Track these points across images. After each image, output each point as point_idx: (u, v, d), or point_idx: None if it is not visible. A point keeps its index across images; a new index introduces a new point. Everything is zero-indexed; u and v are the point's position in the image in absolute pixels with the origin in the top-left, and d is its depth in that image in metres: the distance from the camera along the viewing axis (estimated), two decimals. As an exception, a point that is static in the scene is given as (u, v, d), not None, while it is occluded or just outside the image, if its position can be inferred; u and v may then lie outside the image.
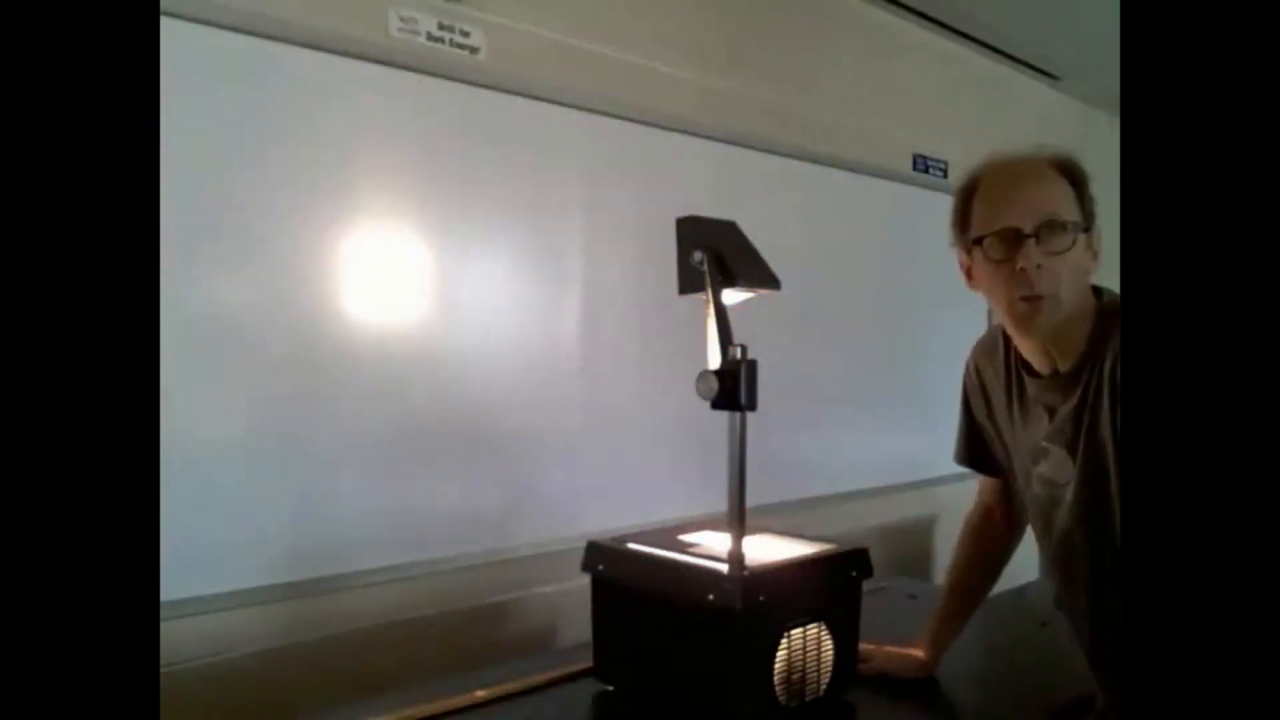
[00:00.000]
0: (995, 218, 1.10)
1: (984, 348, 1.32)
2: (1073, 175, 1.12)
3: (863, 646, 1.36)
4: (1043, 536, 1.26)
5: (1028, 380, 1.21)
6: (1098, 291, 1.15)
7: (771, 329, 2.21)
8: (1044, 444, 1.19)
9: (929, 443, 3.18)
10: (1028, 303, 1.09)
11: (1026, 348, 1.19)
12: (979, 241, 1.12)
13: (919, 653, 1.40)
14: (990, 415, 1.32)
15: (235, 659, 1.58)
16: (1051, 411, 1.17)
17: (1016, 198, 1.10)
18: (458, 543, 1.88)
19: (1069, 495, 1.17)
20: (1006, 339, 1.24)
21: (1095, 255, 1.12)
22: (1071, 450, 1.14)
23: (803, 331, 2.60)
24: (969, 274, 1.18)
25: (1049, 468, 1.20)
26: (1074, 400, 1.13)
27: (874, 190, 2.90)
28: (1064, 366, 1.14)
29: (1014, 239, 1.08)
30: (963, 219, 1.17)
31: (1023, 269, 1.07)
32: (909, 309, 3.04)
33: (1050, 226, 1.07)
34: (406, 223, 1.80)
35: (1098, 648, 1.22)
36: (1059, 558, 1.23)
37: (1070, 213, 1.09)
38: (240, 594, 1.60)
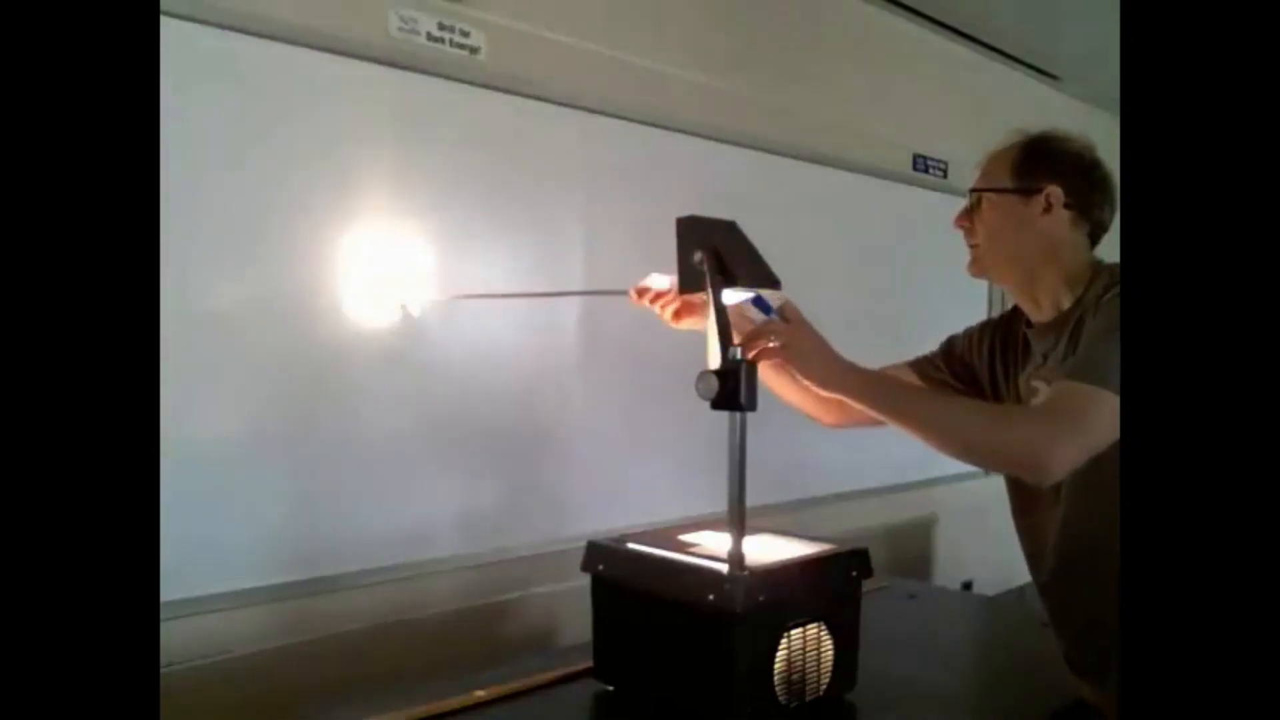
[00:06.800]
0: None
1: (998, 320, 1.46)
2: (1023, 148, 1.31)
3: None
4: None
5: (1028, 332, 1.36)
6: (1099, 263, 1.30)
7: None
8: (1033, 384, 1.31)
9: (929, 443, 3.18)
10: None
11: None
12: None
13: None
14: (987, 364, 1.43)
15: (235, 659, 1.58)
16: (1045, 358, 1.31)
17: None
18: (458, 543, 1.88)
19: None
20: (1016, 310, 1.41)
21: (1045, 210, 1.28)
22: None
23: (803, 331, 2.59)
24: None
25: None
26: (1059, 351, 1.26)
27: (874, 190, 2.89)
28: (1041, 318, 1.32)
29: None
30: None
31: None
32: (909, 309, 3.04)
33: (973, 196, 1.35)
34: (406, 222, 1.79)
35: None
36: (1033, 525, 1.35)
37: (993, 181, 1.31)
38: (240, 594, 1.60)
